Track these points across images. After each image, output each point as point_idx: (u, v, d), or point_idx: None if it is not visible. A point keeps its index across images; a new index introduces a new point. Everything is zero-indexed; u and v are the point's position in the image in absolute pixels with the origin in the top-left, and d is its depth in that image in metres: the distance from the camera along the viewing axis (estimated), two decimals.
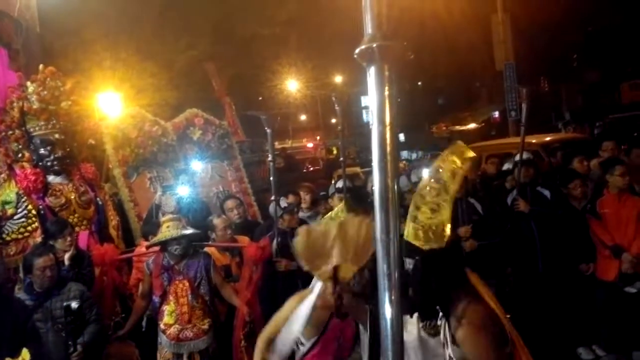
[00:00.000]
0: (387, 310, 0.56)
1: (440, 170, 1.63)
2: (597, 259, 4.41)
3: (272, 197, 4.13)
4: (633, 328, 4.29)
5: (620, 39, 18.97)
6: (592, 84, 21.34)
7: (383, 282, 0.56)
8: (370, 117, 0.56)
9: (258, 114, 4.25)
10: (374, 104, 0.55)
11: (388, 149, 0.55)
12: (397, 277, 0.55)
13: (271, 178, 4.14)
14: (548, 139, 8.52)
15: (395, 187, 0.55)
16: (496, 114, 25.46)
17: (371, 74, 0.55)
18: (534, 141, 7.94)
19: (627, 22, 18.21)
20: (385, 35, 0.54)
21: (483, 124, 24.77)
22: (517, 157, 4.83)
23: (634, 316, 4.25)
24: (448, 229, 1.69)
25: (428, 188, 1.71)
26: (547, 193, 4.74)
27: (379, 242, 0.57)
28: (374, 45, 0.54)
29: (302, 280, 4.19)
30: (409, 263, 1.91)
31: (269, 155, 4.13)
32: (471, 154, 1.55)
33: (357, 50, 0.54)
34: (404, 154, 20.13)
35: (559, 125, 17.30)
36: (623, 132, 12.56)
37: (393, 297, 0.55)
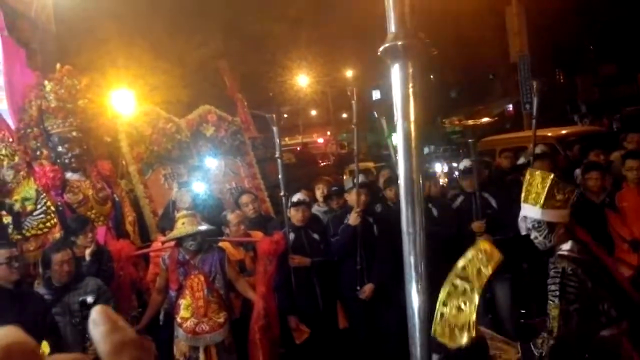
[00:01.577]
0: (415, 300, 0.57)
1: (467, 268, 1.63)
2: (615, 253, 4.36)
3: (282, 193, 4.15)
4: None
5: (637, 30, 18.60)
6: (608, 76, 20.98)
7: (410, 274, 0.57)
8: (395, 112, 0.57)
9: (262, 113, 4.31)
10: (398, 100, 0.56)
11: (413, 144, 0.56)
12: (424, 269, 0.56)
13: (279, 175, 4.17)
14: (564, 132, 8.43)
15: (420, 181, 0.55)
16: (510, 107, 25.17)
17: (395, 71, 0.56)
18: (549, 134, 7.86)
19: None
20: (408, 33, 0.55)
21: (497, 118, 24.50)
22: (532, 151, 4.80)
23: None
24: (474, 329, 1.67)
25: (453, 286, 1.71)
26: None
27: (406, 235, 0.58)
28: (398, 43, 0.54)
29: (316, 276, 4.24)
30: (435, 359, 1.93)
31: (277, 152, 4.16)
32: (498, 256, 1.54)
33: (381, 48, 0.55)
34: None
35: (574, 118, 17.07)
36: None
37: (420, 287, 0.56)
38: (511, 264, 4.53)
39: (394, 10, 0.55)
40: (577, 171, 5.25)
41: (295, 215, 4.25)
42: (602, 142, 6.27)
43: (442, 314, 1.66)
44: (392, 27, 0.56)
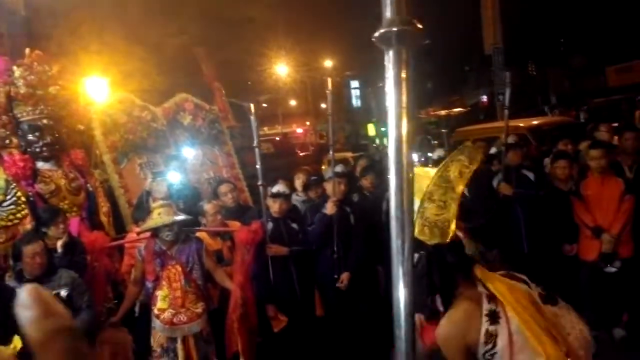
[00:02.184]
0: (400, 283, 0.59)
1: (449, 169, 1.64)
2: (580, 239, 4.52)
3: (259, 183, 4.15)
4: (613, 306, 4.43)
5: (605, 23, 19.10)
6: (577, 67, 21.52)
7: (397, 257, 0.59)
8: (387, 99, 0.58)
9: (240, 101, 4.28)
10: (391, 86, 0.57)
11: (403, 129, 0.57)
12: (410, 252, 0.58)
13: (257, 165, 4.16)
14: (535, 122, 8.63)
15: (410, 167, 0.57)
16: (484, 98, 25.59)
17: (389, 57, 0.57)
18: (521, 125, 8.04)
19: (610, 6, 18.32)
20: (403, 20, 0.56)
21: (470, 108, 24.90)
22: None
23: (613, 294, 4.38)
24: (453, 225, 1.70)
25: (436, 186, 1.74)
26: (531, 175, 4.84)
27: (394, 219, 0.60)
28: (394, 29, 0.55)
29: (294, 265, 4.26)
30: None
31: (254, 141, 4.15)
32: (480, 156, 1.58)
33: (376, 34, 0.56)
34: None
35: (545, 109, 17.49)
36: (609, 115, 12.74)
37: (405, 269, 0.57)
38: (482, 251, 4.64)
39: None
40: (547, 160, 5.40)
41: (273, 206, 4.25)
42: (571, 132, 6.45)
43: (422, 213, 1.69)
44: (387, 13, 0.57)
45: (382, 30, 0.56)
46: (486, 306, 1.81)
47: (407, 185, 0.57)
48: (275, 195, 4.26)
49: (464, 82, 28.43)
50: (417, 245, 1.53)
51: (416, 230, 1.70)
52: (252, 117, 4.06)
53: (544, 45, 22.21)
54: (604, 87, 18.57)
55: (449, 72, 27.06)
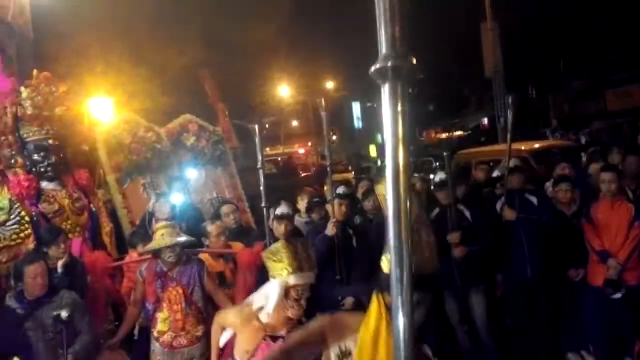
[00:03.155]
0: (400, 314, 0.60)
1: None
2: (588, 263, 4.47)
3: (263, 204, 4.14)
4: (623, 334, 4.35)
5: (604, 46, 19.33)
6: (578, 91, 21.67)
7: (396, 287, 0.60)
8: (384, 132, 0.61)
9: (245, 123, 4.33)
10: (387, 119, 0.60)
11: (401, 161, 0.60)
12: (409, 281, 0.59)
13: (261, 186, 4.16)
14: (537, 146, 8.66)
15: (407, 197, 0.59)
16: (485, 120, 25.73)
17: (385, 91, 0.60)
18: (522, 148, 8.07)
19: (609, 30, 18.58)
20: (398, 55, 0.59)
21: (471, 131, 25.03)
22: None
23: (621, 322, 4.31)
24: None
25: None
26: (534, 199, 4.81)
27: (392, 249, 0.61)
28: (389, 64, 0.58)
29: None
30: None
31: (258, 162, 4.17)
32: None
33: (372, 69, 0.59)
34: None
35: (546, 132, 17.57)
36: (610, 138, 12.78)
37: (404, 299, 0.59)
38: (486, 275, 4.61)
39: (385, 33, 0.59)
40: (547, 184, 5.40)
41: (278, 229, 4.24)
42: (572, 156, 6.47)
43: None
44: (383, 49, 0.60)
45: (377, 66, 0.58)
46: None
47: (404, 215, 0.58)
48: (280, 217, 4.25)
49: (465, 105, 28.64)
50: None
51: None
52: (257, 139, 4.09)
53: (544, 69, 22.44)
54: (603, 111, 18.68)
55: (450, 95, 27.30)
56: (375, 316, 2.13)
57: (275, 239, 4.22)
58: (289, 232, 4.30)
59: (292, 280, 2.52)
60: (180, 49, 12.90)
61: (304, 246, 2.72)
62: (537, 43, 20.15)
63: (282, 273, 2.51)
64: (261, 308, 2.57)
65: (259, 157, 4.13)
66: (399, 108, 0.59)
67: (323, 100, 4.39)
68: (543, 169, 6.63)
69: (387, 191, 0.61)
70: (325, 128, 4.38)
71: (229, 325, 2.81)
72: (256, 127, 4.10)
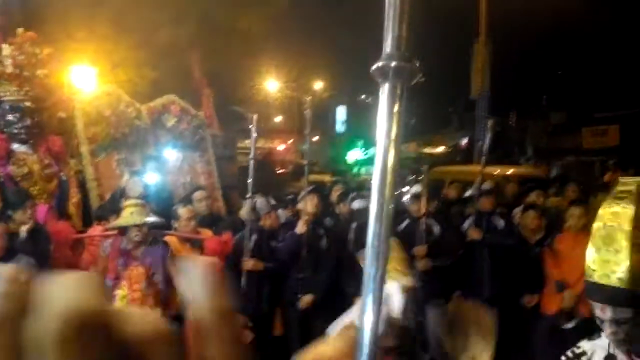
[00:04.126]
0: (368, 312, 0.61)
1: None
2: (543, 292, 4.61)
3: (248, 195, 4.12)
4: None
5: (587, 84, 19.94)
6: (556, 125, 22.28)
7: (367, 285, 0.61)
8: (377, 130, 0.62)
9: (243, 110, 4.30)
10: (382, 118, 0.61)
11: (390, 162, 0.61)
12: (381, 281, 0.61)
13: (249, 178, 4.14)
14: (509, 172, 8.87)
15: (392, 198, 0.61)
16: (464, 140, 26.17)
17: (384, 91, 0.61)
18: (495, 172, 8.25)
19: (594, 67, 19.16)
20: (402, 57, 0.60)
21: (451, 149, 25.43)
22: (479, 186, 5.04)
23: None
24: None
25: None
26: (501, 222, 4.94)
27: (370, 247, 0.63)
28: (392, 64, 0.60)
29: (266, 281, 4.23)
30: None
31: (251, 152, 4.15)
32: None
33: (373, 67, 0.60)
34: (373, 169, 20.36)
35: (521, 160, 18.00)
36: (579, 174, 13.18)
37: (375, 298, 0.60)
38: (445, 291, 4.71)
39: (392, 33, 0.61)
40: (516, 210, 5.55)
41: (271, 219, 4.26)
42: (541, 186, 6.66)
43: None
44: (387, 48, 0.61)
45: (380, 64, 0.59)
46: None
47: (386, 216, 0.60)
48: (274, 207, 4.27)
49: (446, 123, 29.07)
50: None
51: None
52: (253, 128, 4.06)
53: (527, 98, 22.98)
54: (579, 147, 19.25)
55: (434, 112, 27.65)
56: None
57: (258, 230, 4.21)
58: (277, 224, 4.33)
59: (408, 282, 2.18)
60: (167, 20, 12.56)
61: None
62: (524, 70, 20.62)
63: (395, 275, 2.11)
64: None
65: (252, 148, 4.13)
66: (396, 109, 0.60)
67: (309, 98, 4.41)
68: (510, 196, 6.79)
69: (372, 192, 0.62)
70: (308, 126, 4.39)
71: None
72: (254, 116, 4.07)
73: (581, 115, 20.05)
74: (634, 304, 1.53)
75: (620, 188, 1.64)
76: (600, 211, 1.68)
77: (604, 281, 1.62)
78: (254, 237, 4.15)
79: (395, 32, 0.59)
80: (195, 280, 0.50)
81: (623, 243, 1.57)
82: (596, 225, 1.71)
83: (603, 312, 1.60)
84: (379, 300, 0.61)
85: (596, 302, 1.65)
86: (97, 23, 11.58)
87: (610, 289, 1.56)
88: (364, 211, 4.69)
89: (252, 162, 4.15)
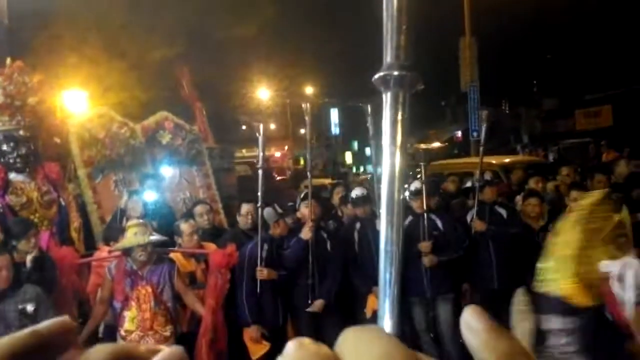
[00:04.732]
0: (386, 317, 0.61)
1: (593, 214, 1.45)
2: None
3: (259, 204, 4.12)
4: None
5: (577, 67, 20.04)
6: (549, 110, 22.38)
7: (384, 290, 0.61)
8: (383, 137, 0.62)
9: (249, 120, 4.29)
10: (387, 125, 0.62)
11: (397, 168, 0.61)
12: (396, 285, 0.61)
13: (259, 186, 4.13)
14: (507, 160, 8.89)
15: (401, 202, 0.61)
16: (459, 133, 26.28)
17: (387, 99, 0.62)
18: (493, 162, 8.27)
19: (583, 50, 19.26)
20: (402, 65, 0.61)
21: (447, 143, 25.53)
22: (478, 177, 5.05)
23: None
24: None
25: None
26: (504, 212, 4.95)
27: (383, 252, 0.63)
28: (394, 73, 0.60)
29: (279, 290, 4.22)
30: None
31: (259, 161, 4.15)
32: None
33: (375, 76, 0.61)
34: (369, 168, 20.48)
35: (517, 147, 18.06)
36: (576, 156, 13.24)
37: (393, 304, 0.60)
38: (454, 285, 4.71)
39: (391, 43, 0.62)
40: (518, 197, 5.57)
41: (281, 227, 4.26)
42: (541, 171, 6.69)
43: (574, 272, 1.42)
44: (387, 57, 0.62)
45: (381, 73, 0.60)
46: None
47: (397, 219, 0.60)
48: (283, 216, 4.27)
49: (440, 117, 29.18)
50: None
51: (568, 292, 1.50)
52: (260, 138, 4.06)
53: (518, 86, 23.09)
54: (573, 130, 19.33)
55: (426, 107, 27.76)
56: None
57: (269, 239, 4.21)
58: (285, 232, 4.32)
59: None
60: (158, 41, 12.68)
61: None
62: (512, 59, 20.73)
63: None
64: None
65: (260, 157, 4.13)
66: (399, 116, 0.61)
67: (308, 105, 4.42)
68: (508, 184, 6.81)
69: (382, 196, 0.62)
70: (308, 132, 4.40)
71: None
72: (260, 126, 4.07)
73: (573, 98, 20.15)
74: (578, 313, 1.48)
75: (573, 205, 1.64)
76: (557, 225, 1.66)
77: (550, 291, 1.58)
78: (265, 246, 4.14)
79: (394, 42, 0.60)
80: None
81: (568, 255, 1.53)
82: (549, 239, 1.68)
83: (550, 323, 1.55)
84: (397, 306, 0.61)
85: (543, 313, 1.60)
86: (88, 48, 11.64)
87: (556, 299, 1.53)
88: (364, 200, 4.69)
89: (260, 172, 4.15)
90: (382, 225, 0.61)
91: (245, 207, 4.71)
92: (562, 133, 19.26)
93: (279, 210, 4.28)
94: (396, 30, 0.62)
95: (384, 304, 0.62)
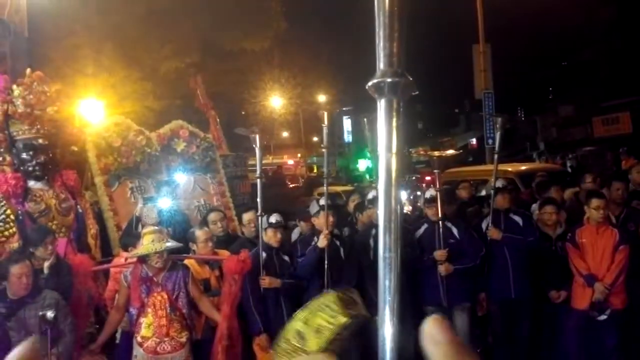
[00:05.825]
0: (387, 324, 0.61)
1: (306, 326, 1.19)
2: (573, 287, 4.53)
3: (258, 213, 4.15)
4: (603, 356, 4.40)
5: (593, 74, 19.77)
6: (566, 117, 22.08)
7: (384, 297, 0.62)
8: (378, 144, 0.63)
9: (246, 131, 4.31)
10: (382, 133, 0.62)
11: (393, 174, 0.62)
12: (396, 291, 0.61)
13: (258, 195, 4.17)
14: (523, 168, 8.80)
15: (398, 209, 0.62)
16: (474, 140, 26.07)
17: (381, 106, 0.62)
18: (510, 169, 8.19)
19: (599, 57, 19.02)
20: (395, 72, 0.62)
21: (461, 150, 25.35)
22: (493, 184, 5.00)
23: (603, 346, 4.36)
24: None
25: (288, 340, 1.24)
26: (519, 220, 4.87)
27: (382, 259, 0.63)
28: (387, 80, 0.61)
29: (284, 298, 4.23)
30: None
31: (257, 171, 4.18)
32: (344, 319, 1.07)
33: (369, 83, 0.62)
34: None
35: (533, 155, 17.84)
36: (594, 164, 13.02)
37: (393, 310, 0.60)
38: (471, 293, 4.66)
39: (384, 50, 0.62)
40: (534, 206, 5.49)
41: (272, 237, 4.25)
42: (558, 179, 6.59)
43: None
44: (381, 64, 0.63)
45: (374, 81, 0.61)
46: None
47: (394, 226, 0.61)
48: (275, 225, 4.27)
49: (454, 124, 29.00)
50: None
51: None
52: (257, 148, 4.10)
53: (533, 93, 22.85)
54: (590, 137, 19.03)
55: (441, 114, 27.64)
56: None
57: (266, 248, 4.23)
58: (280, 240, 4.33)
59: None
60: (172, 51, 12.88)
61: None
62: (528, 66, 20.55)
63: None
64: None
65: (258, 167, 4.16)
66: (394, 123, 0.62)
67: (325, 113, 4.45)
68: (529, 192, 6.73)
69: (379, 204, 0.63)
70: (325, 140, 4.42)
71: None
72: (257, 136, 4.11)
73: (589, 105, 19.86)
74: None
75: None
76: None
77: None
78: (264, 254, 4.16)
79: (387, 50, 0.61)
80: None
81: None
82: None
83: None
84: (397, 311, 0.61)
85: None
86: (105, 58, 11.88)
87: None
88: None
89: (259, 181, 4.18)
90: (380, 232, 0.62)
91: (246, 216, 4.75)
92: (579, 140, 18.97)
93: (279, 219, 4.30)
94: (388, 38, 0.62)
95: (384, 312, 0.62)
